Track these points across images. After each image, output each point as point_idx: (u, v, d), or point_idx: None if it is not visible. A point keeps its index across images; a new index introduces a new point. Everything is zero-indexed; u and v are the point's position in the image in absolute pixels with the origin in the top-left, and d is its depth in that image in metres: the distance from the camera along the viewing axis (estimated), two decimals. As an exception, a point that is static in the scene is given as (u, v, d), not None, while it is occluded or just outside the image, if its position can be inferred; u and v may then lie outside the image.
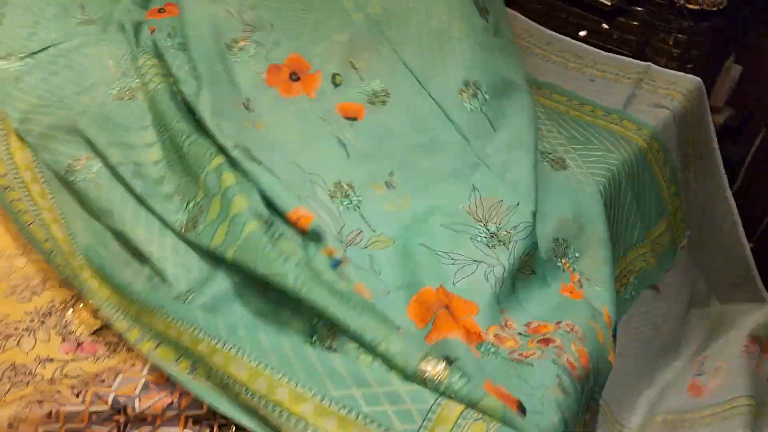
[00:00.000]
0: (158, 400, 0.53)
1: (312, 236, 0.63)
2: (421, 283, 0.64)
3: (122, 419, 0.53)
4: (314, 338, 0.59)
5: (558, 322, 0.65)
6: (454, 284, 0.64)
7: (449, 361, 0.54)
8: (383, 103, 0.80)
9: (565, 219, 0.77)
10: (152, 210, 0.68)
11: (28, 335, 0.59)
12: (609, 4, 1.07)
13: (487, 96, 0.79)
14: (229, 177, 0.64)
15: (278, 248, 0.59)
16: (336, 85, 0.81)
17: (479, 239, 0.69)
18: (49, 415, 0.51)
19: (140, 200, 0.69)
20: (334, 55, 0.82)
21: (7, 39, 0.84)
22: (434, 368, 0.53)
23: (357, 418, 0.52)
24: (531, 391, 0.57)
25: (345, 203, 0.70)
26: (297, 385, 0.53)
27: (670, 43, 1.06)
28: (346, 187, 0.71)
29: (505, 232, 0.69)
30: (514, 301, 0.68)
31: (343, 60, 0.82)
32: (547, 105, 0.95)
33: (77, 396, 0.52)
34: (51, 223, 0.69)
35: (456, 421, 0.51)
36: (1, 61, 0.80)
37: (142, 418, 0.53)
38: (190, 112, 0.73)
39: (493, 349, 0.61)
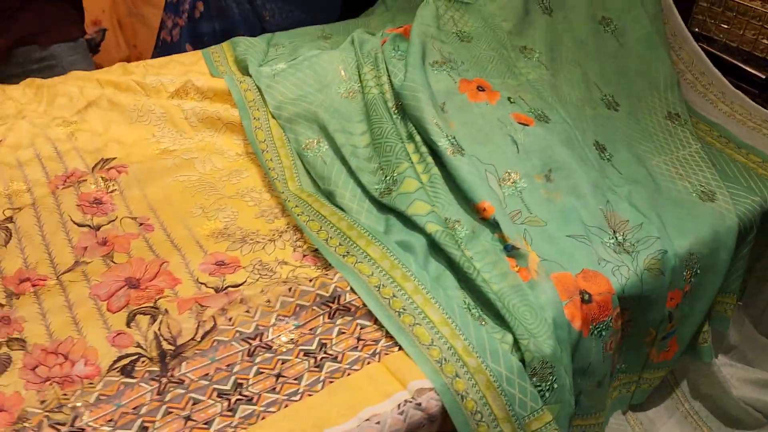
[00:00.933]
0: (357, 298, 0.74)
1: (492, 223, 0.81)
2: (561, 267, 0.79)
3: (334, 306, 0.74)
4: (470, 302, 0.76)
5: None
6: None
7: None
8: (546, 121, 0.97)
9: (702, 240, 0.88)
10: (359, 180, 0.90)
11: (271, 244, 0.83)
12: (763, 76, 1.12)
13: (611, 154, 0.97)
14: (414, 183, 0.85)
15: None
16: (511, 102, 1.00)
17: (608, 245, 0.83)
18: (289, 289, 0.74)
19: (351, 173, 0.91)
20: (508, 90, 1.02)
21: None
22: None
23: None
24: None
25: (510, 189, 0.88)
26: (442, 309, 0.71)
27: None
28: (514, 175, 0.88)
29: (629, 244, 0.84)
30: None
31: (514, 94, 1.01)
32: (709, 142, 1.06)
33: (309, 281, 0.75)
34: (288, 177, 0.93)
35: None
36: (278, 66, 1.09)
37: (347, 308, 0.74)
38: (388, 111, 0.96)
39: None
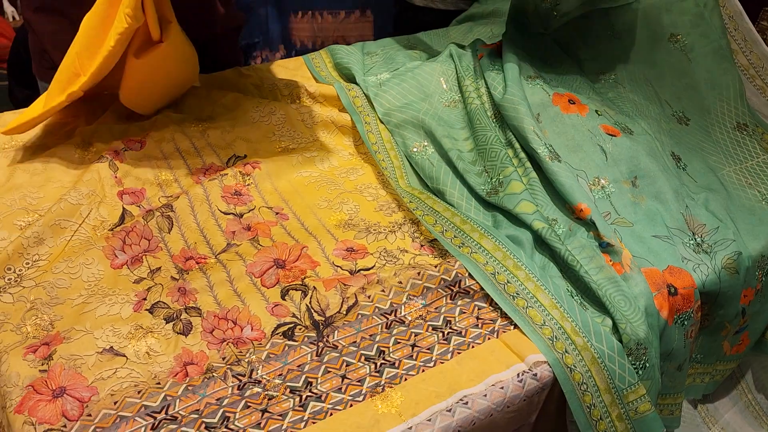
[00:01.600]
0: (475, 283, 0.86)
1: (588, 223, 0.93)
2: (649, 263, 0.91)
3: (455, 289, 0.86)
4: (572, 290, 0.88)
5: None
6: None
7: None
8: (630, 133, 1.09)
9: None
10: (466, 181, 1.01)
11: (392, 234, 0.95)
12: None
13: (685, 164, 1.08)
14: (519, 185, 0.96)
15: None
16: (599, 114, 1.11)
17: (688, 245, 0.94)
18: (418, 273, 0.87)
19: (458, 174, 1.03)
20: (594, 104, 1.12)
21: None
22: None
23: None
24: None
25: (600, 193, 0.99)
26: (551, 295, 0.83)
27: None
28: (603, 180, 1.00)
29: (707, 245, 0.94)
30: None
31: (600, 107, 1.12)
32: None
33: (434, 267, 0.88)
34: (399, 175, 1.05)
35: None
36: (382, 75, 1.22)
37: (466, 291, 0.86)
38: (489, 120, 1.07)
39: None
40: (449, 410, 0.72)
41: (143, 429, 0.68)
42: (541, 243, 0.92)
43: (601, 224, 0.91)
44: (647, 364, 0.82)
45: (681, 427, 1.07)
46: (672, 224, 0.96)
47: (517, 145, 1.02)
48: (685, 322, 0.89)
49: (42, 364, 0.72)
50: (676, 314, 0.88)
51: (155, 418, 0.69)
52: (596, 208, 0.94)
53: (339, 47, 1.35)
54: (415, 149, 1.08)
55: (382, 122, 1.14)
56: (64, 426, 0.67)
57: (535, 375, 0.77)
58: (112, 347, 0.75)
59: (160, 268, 0.87)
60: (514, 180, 0.97)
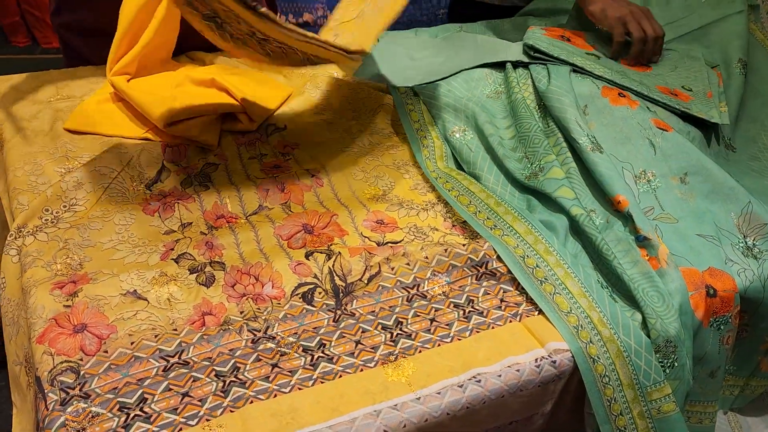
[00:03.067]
0: (503, 266, 0.84)
1: (626, 216, 0.89)
2: (689, 263, 0.86)
3: (482, 270, 0.84)
4: (602, 282, 0.85)
5: None
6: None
7: None
8: (688, 134, 1.04)
9: None
10: (504, 166, 0.99)
11: (424, 212, 0.94)
12: None
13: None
14: (560, 172, 0.94)
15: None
16: (649, 109, 1.07)
17: (737, 247, 0.89)
18: (445, 250, 0.85)
19: (497, 160, 1.01)
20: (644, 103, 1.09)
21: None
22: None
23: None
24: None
25: (645, 187, 0.95)
26: (580, 283, 0.80)
27: None
28: (649, 174, 0.96)
29: (758, 251, 0.89)
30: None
31: (650, 104, 1.08)
32: None
33: (462, 246, 0.86)
34: (438, 156, 1.04)
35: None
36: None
37: (492, 273, 0.84)
38: (531, 111, 1.05)
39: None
40: (461, 386, 0.71)
41: (155, 370, 0.69)
42: (575, 232, 0.89)
43: (639, 217, 0.88)
44: (676, 363, 0.78)
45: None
46: (722, 224, 0.91)
47: (558, 135, 0.99)
48: (722, 327, 0.85)
49: (67, 300, 0.74)
50: (713, 317, 0.84)
51: (168, 362, 0.70)
52: (636, 201, 0.91)
53: (390, 32, 1.34)
54: (454, 133, 1.06)
55: (424, 104, 1.13)
56: (80, 359, 0.68)
57: (554, 362, 0.74)
58: (135, 291, 0.77)
59: (191, 223, 0.88)
60: (555, 166, 0.95)
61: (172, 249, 0.83)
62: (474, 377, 0.71)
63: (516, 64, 1.14)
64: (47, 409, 0.63)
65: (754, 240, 0.90)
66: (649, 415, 0.76)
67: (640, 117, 1.02)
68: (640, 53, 1.16)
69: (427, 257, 0.85)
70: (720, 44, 1.20)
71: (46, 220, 0.85)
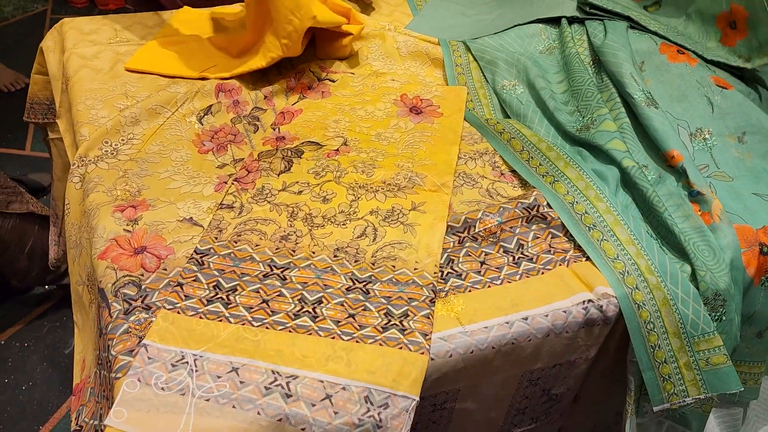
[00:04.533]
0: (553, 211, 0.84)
1: (680, 170, 0.88)
2: (743, 220, 0.85)
3: (532, 213, 0.84)
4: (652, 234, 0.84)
5: None
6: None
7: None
8: (749, 93, 1.02)
9: None
10: (556, 119, 0.98)
11: (472, 161, 0.94)
12: None
13: None
14: (613, 125, 0.93)
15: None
16: (709, 67, 1.04)
17: None
18: (488, 195, 0.86)
19: (548, 113, 1.00)
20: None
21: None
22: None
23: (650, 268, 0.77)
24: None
25: (701, 145, 0.94)
26: (629, 230, 0.79)
27: None
28: (705, 132, 0.94)
29: None
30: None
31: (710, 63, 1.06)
32: None
33: (513, 189, 0.86)
34: (485, 104, 1.04)
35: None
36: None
37: (543, 217, 0.84)
38: (585, 66, 1.04)
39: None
40: (507, 323, 0.71)
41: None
42: (626, 184, 0.89)
43: (693, 172, 0.87)
44: (724, 318, 0.78)
45: (757, 407, 1.02)
46: None
47: (613, 90, 0.98)
48: (774, 285, 0.84)
49: (127, 225, 0.77)
50: (765, 275, 0.83)
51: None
52: (691, 157, 0.89)
53: None
54: (504, 86, 1.06)
55: (475, 59, 1.12)
56: (142, 275, 0.71)
57: (600, 306, 0.74)
58: (191, 218, 0.79)
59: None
60: (608, 120, 0.94)
61: (226, 182, 0.85)
62: (521, 316, 0.72)
63: (571, 20, 1.13)
64: (111, 317, 0.66)
65: None
66: (697, 366, 0.76)
67: (699, 74, 1.00)
68: None
69: (474, 202, 0.85)
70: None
71: (105, 151, 0.88)
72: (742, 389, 0.77)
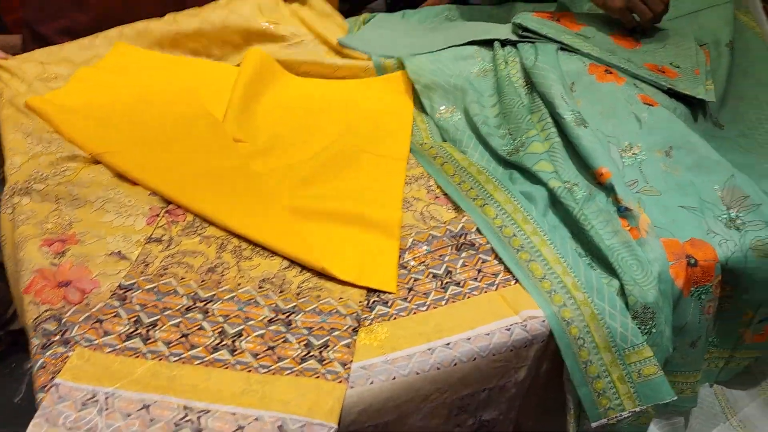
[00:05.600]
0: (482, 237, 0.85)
1: (609, 187, 0.89)
2: (670, 234, 0.86)
3: (461, 240, 0.85)
4: (581, 251, 0.85)
5: None
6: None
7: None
8: (675, 109, 1.04)
9: None
10: (489, 144, 0.99)
11: (407, 186, 0.94)
12: None
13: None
14: (540, 146, 0.94)
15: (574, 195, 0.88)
16: (636, 85, 1.07)
17: (720, 218, 0.88)
18: (425, 221, 0.87)
19: (481, 139, 1.01)
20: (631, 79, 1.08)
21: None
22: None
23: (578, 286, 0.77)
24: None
25: (630, 160, 0.95)
26: (556, 250, 0.80)
27: None
28: (635, 148, 0.96)
29: (740, 222, 0.88)
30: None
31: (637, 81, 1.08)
32: None
33: (441, 217, 0.87)
34: (422, 129, 1.06)
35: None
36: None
37: (471, 244, 0.85)
38: (516, 88, 1.05)
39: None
40: (430, 349, 0.71)
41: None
42: (556, 204, 0.90)
43: (621, 188, 0.88)
44: (654, 330, 0.78)
45: (699, 414, 1.02)
46: (705, 196, 0.91)
47: (544, 111, 0.99)
48: (703, 296, 0.84)
49: (54, 258, 0.77)
50: (693, 286, 0.83)
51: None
52: (620, 173, 0.91)
53: (378, 14, 1.35)
54: (442, 113, 1.08)
55: (411, 80, 1.14)
56: (63, 307, 0.71)
57: (525, 327, 0.75)
58: (120, 251, 0.79)
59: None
60: (536, 141, 0.95)
61: (158, 214, 0.85)
62: (444, 342, 0.72)
63: (504, 43, 1.15)
64: (30, 353, 0.66)
65: (737, 212, 0.89)
66: (630, 378, 0.76)
67: (627, 92, 1.02)
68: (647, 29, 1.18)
69: (408, 227, 0.86)
70: (709, 28, 1.20)
71: (38, 180, 0.87)
72: (675, 398, 0.77)
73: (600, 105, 1.01)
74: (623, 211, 0.86)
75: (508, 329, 0.74)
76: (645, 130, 0.97)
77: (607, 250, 0.81)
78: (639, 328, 0.77)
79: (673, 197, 0.91)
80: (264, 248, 0.81)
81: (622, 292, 0.79)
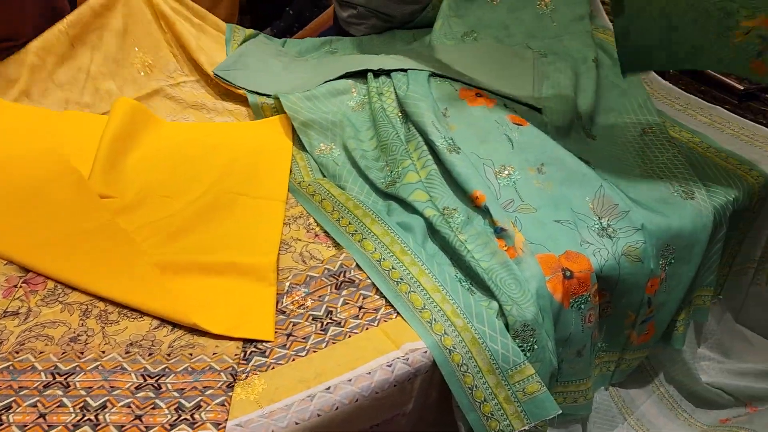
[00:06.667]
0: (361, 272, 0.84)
1: (484, 210, 0.91)
2: (546, 249, 0.88)
3: (340, 279, 0.84)
4: (461, 277, 0.85)
5: None
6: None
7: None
8: (545, 126, 1.07)
9: (681, 234, 0.95)
10: (367, 177, 0.99)
11: (287, 227, 0.92)
12: (741, 87, 1.19)
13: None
14: (415, 176, 0.95)
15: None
16: (506, 107, 1.10)
17: (593, 229, 0.91)
18: (303, 262, 0.84)
19: (360, 171, 1.01)
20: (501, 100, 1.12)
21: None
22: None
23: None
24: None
25: (505, 181, 0.97)
26: (434, 278, 0.80)
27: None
28: (509, 168, 0.98)
29: (612, 230, 0.91)
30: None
31: (507, 102, 1.12)
32: (692, 147, 1.10)
33: (322, 264, 0.86)
34: (302, 166, 1.05)
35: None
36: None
37: (351, 281, 0.83)
38: (390, 118, 1.06)
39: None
40: (309, 396, 0.69)
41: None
42: (435, 233, 0.90)
43: (496, 210, 0.89)
44: (536, 346, 0.79)
45: (596, 418, 1.04)
46: (578, 208, 0.94)
47: (419, 139, 1.01)
48: (582, 306, 0.86)
49: None
50: (572, 298, 0.85)
51: None
52: (495, 195, 0.92)
53: (262, 36, 1.35)
54: (322, 150, 1.07)
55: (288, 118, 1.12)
56: None
57: (407, 360, 0.74)
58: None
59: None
60: (411, 171, 0.96)
61: (15, 285, 0.80)
62: (324, 386, 0.70)
63: (378, 73, 1.16)
64: None
65: (608, 221, 0.92)
66: (516, 398, 0.76)
67: (497, 114, 1.05)
68: None
69: (286, 269, 0.84)
70: (574, 47, 1.27)
71: None
72: (561, 412, 0.78)
73: (474, 128, 1.03)
74: (499, 232, 0.88)
75: (390, 365, 0.73)
76: (517, 150, 1.00)
77: (484, 273, 0.82)
78: (520, 346, 0.78)
79: (547, 213, 0.93)
80: (132, 309, 0.77)
81: (502, 312, 0.80)
